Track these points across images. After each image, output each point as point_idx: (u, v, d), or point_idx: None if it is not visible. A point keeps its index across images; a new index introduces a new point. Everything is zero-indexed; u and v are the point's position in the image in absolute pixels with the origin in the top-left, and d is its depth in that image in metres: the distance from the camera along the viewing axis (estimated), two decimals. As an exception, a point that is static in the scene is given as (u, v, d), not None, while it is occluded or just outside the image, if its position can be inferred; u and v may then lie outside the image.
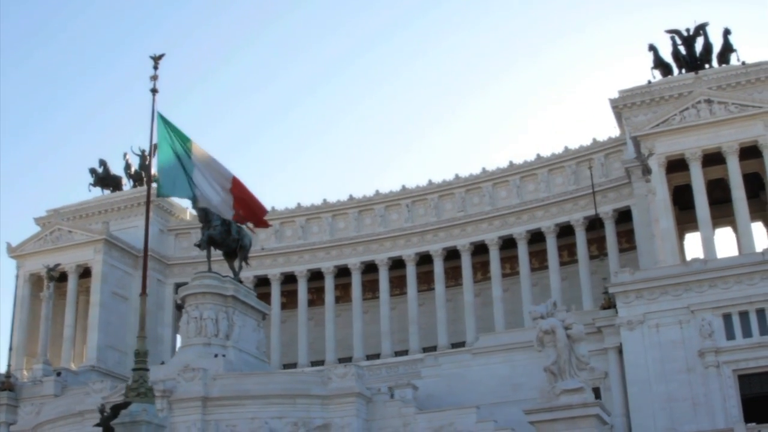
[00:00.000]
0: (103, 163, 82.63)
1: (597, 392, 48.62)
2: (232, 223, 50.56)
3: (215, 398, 41.49)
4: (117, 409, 24.95)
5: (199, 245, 51.06)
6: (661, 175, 58.44)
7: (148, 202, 29.65)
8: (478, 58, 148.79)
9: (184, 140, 29.59)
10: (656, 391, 44.73)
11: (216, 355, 45.37)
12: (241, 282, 51.28)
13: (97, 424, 25.78)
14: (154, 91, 30.01)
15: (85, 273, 73.93)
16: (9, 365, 63.78)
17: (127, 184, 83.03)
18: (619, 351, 48.18)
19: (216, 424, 40.90)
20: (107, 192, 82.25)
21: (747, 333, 44.87)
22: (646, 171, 55.59)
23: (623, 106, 67.22)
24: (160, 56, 30.59)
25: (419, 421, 41.77)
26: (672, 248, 56.02)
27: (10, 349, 71.97)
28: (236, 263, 51.48)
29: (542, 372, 45.90)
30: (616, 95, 68.05)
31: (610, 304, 49.31)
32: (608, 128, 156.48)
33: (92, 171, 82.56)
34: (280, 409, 40.99)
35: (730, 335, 45.22)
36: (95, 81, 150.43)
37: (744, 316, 45.14)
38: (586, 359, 30.37)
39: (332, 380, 42.18)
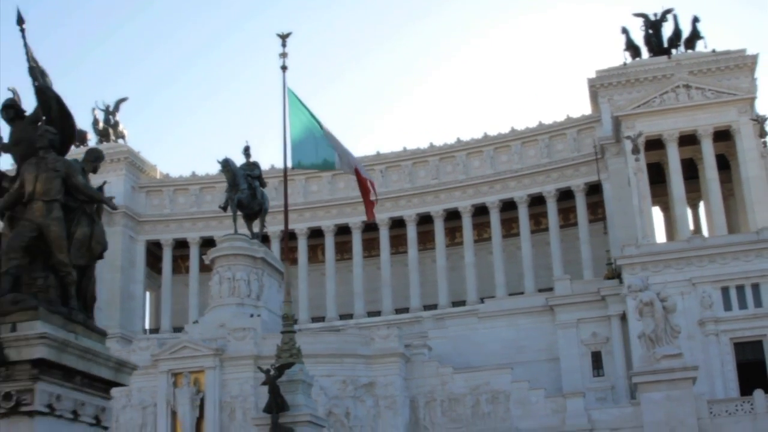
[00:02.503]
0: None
1: (599, 356, 52.65)
2: (257, 188, 52.18)
3: (267, 357, 43.25)
4: (282, 368, 27.00)
5: (224, 207, 52.29)
6: (642, 153, 62.47)
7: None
8: (454, 27, 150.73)
9: (312, 116, 31.26)
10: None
11: (251, 315, 47.11)
12: (262, 243, 52.91)
13: (264, 383, 27.71)
14: (283, 68, 31.64)
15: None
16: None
17: (92, 139, 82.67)
18: (622, 318, 52.06)
19: (267, 381, 42.75)
20: (72, 147, 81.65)
21: (743, 305, 49.38)
22: (636, 150, 59.36)
23: (600, 85, 70.81)
24: (287, 34, 32.18)
25: (456, 380, 44.67)
26: (648, 223, 60.30)
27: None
28: (257, 225, 52.94)
29: (545, 335, 49.84)
30: (592, 75, 71.64)
31: (613, 274, 53.08)
32: (576, 105, 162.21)
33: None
34: (329, 367, 43.16)
35: (728, 306, 49.65)
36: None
37: (740, 289, 49.60)
38: (679, 328, 33.69)
39: (375, 341, 44.63)
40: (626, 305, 51.27)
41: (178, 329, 75.79)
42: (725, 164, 66.74)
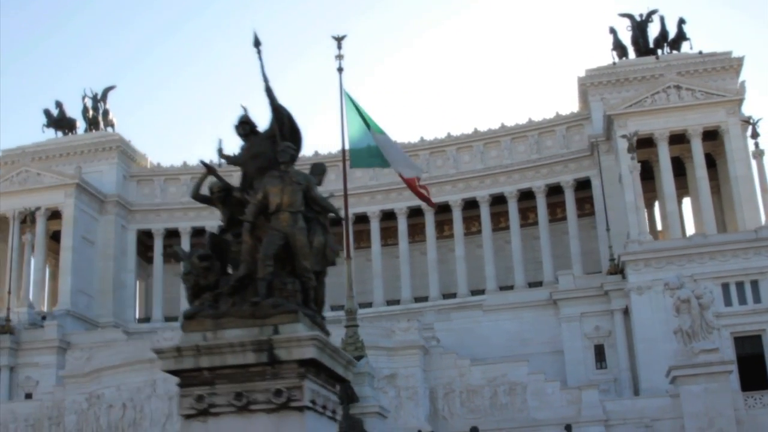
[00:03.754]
0: (59, 104, 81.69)
1: (601, 349, 54.44)
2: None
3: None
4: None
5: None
6: (629, 151, 64.37)
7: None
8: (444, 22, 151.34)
9: (368, 118, 32.30)
10: (661, 349, 50.51)
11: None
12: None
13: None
14: (340, 69, 32.61)
15: (51, 216, 73.72)
16: (8, 308, 63.50)
17: (80, 127, 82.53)
18: (624, 312, 53.89)
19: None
20: (60, 134, 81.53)
21: (743, 301, 51.54)
22: (632, 149, 61.11)
23: (590, 84, 72.67)
24: (343, 37, 33.12)
25: (474, 372, 46.04)
26: (642, 219, 62.25)
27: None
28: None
29: (549, 328, 51.42)
30: (582, 73, 73.51)
31: (616, 270, 54.86)
32: (564, 102, 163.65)
33: (47, 112, 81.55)
34: (352, 359, 44.17)
35: (728, 302, 51.76)
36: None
37: (740, 285, 51.76)
38: (713, 324, 35.37)
39: (396, 333, 45.78)
40: (629, 300, 53.16)
41: (170, 319, 76.40)
42: (711, 163, 68.96)
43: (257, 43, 13.60)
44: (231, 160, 14.24)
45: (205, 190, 14.47)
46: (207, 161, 15.10)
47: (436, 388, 45.86)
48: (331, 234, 13.38)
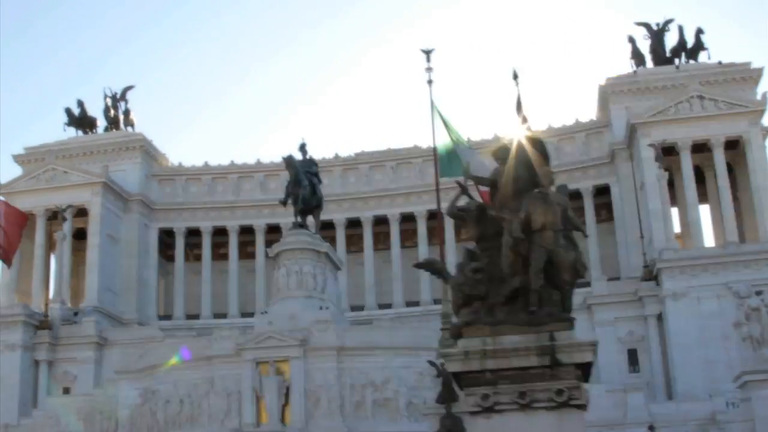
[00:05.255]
0: (80, 103, 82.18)
1: (634, 353, 56.04)
2: (317, 185, 54.23)
3: (349, 348, 45.57)
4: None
5: (284, 202, 54.14)
6: (653, 159, 66.17)
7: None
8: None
9: (451, 128, 33.61)
10: (696, 355, 52.34)
11: (320, 308, 49.19)
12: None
13: (438, 375, 30.00)
14: (430, 82, 33.90)
15: (76, 214, 74.31)
16: (46, 304, 64.23)
17: (100, 126, 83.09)
18: (658, 318, 55.54)
19: (350, 371, 45.02)
20: (80, 133, 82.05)
21: (776, 308, 53.21)
22: (659, 157, 62.74)
23: (610, 92, 74.26)
24: (431, 50, 34.41)
25: (520, 373, 47.31)
26: (669, 227, 64.03)
27: (3, 286, 71.85)
28: (316, 221, 54.87)
29: (582, 332, 52.65)
30: (602, 81, 75.12)
31: (650, 276, 56.47)
32: (576, 110, 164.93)
33: (68, 111, 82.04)
34: (406, 359, 45.49)
35: (765, 310, 53.45)
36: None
37: (776, 293, 53.46)
38: (785, 331, 37.03)
39: (444, 335, 47.03)
40: (664, 306, 54.76)
41: (190, 317, 77.39)
42: (730, 171, 70.83)
43: (515, 76, 14.87)
44: (482, 181, 15.50)
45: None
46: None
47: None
48: (580, 251, 14.64)
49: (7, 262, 40.34)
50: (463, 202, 15.58)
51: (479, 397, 13.26)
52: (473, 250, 14.97)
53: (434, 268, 16.62)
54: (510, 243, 14.02)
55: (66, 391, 60.63)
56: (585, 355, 13.16)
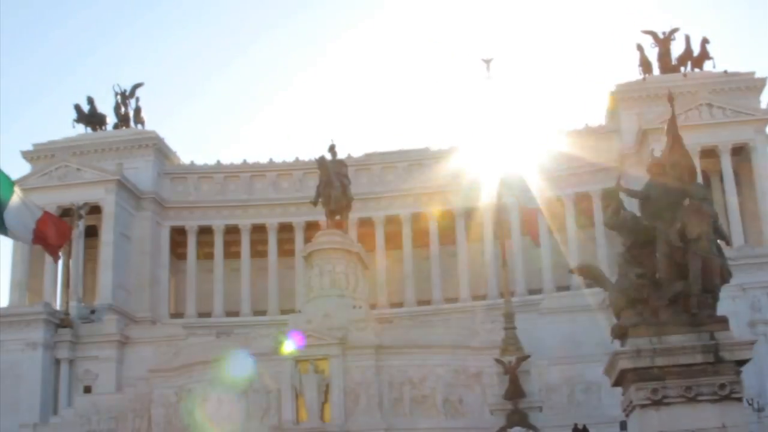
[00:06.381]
0: (90, 100, 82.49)
1: (652, 351, 57.55)
2: (347, 186, 55.38)
3: (387, 346, 46.62)
4: (520, 360, 30.77)
5: (314, 202, 55.24)
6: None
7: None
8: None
9: None
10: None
11: (353, 307, 50.34)
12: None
13: (505, 373, 31.34)
14: (489, 91, 35.11)
15: (89, 212, 74.73)
16: (67, 302, 64.79)
17: (109, 123, 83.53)
18: (675, 318, 57.12)
19: (388, 369, 46.13)
20: (89, 130, 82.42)
21: (792, 308, 55.22)
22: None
23: (620, 98, 75.95)
24: (491, 59, 35.66)
25: (552, 371, 48.70)
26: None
27: (14, 284, 72.26)
28: (345, 221, 56.03)
29: (600, 331, 54.09)
30: (612, 88, 76.79)
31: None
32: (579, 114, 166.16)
33: (77, 108, 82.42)
34: (442, 358, 46.69)
35: (778, 310, 55.40)
36: None
37: (789, 295, 55.42)
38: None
39: (479, 334, 48.36)
40: (682, 306, 56.32)
41: (202, 315, 78.17)
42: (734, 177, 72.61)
43: (671, 99, 16.15)
44: (634, 194, 16.74)
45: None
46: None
47: (515, 386, 48.36)
48: (725, 257, 15.91)
49: (55, 256, 40.51)
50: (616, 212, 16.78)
51: (649, 391, 14.53)
52: (626, 256, 16.18)
53: (592, 274, 17.62)
54: (666, 251, 15.27)
55: (87, 389, 61.03)
56: (745, 353, 14.46)
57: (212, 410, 47.27)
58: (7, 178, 39.51)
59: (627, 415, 16.76)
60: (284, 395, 45.84)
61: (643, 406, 14.86)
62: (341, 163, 55.82)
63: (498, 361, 32.96)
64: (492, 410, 34.11)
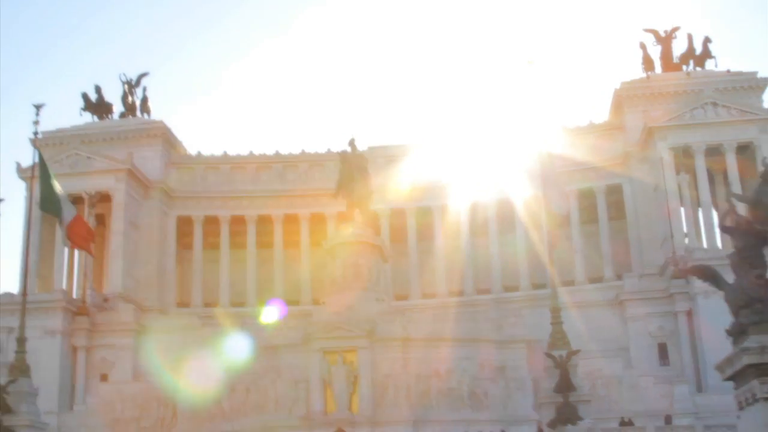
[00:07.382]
0: (98, 89, 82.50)
1: (664, 347, 58.85)
2: (367, 179, 56.07)
3: (414, 339, 47.45)
4: (570, 355, 31.60)
5: (335, 195, 55.89)
6: (671, 162, 69.32)
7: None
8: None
9: None
10: (726, 348, 54.72)
11: (376, 299, 51.07)
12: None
13: (556, 367, 32.08)
14: (532, 92, 35.82)
15: (100, 200, 74.91)
16: (84, 290, 64.98)
17: (115, 112, 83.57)
18: (687, 314, 58.40)
19: (415, 361, 46.92)
20: (96, 119, 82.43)
21: (803, 305, 56.36)
22: (680, 160, 65.76)
23: (625, 96, 77.00)
24: (534, 61, 36.35)
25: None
26: (691, 228, 67.20)
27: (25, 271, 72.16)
28: (366, 213, 56.56)
29: (615, 326, 55.34)
30: (617, 85, 77.83)
31: (679, 274, 59.34)
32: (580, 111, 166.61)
33: (85, 96, 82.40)
34: (468, 351, 47.53)
35: (788, 307, 56.51)
36: None
37: (802, 291, 56.59)
38: None
39: (504, 328, 49.26)
40: (695, 303, 57.66)
41: (207, 304, 78.50)
42: (733, 176, 73.94)
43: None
44: (745, 199, 17.60)
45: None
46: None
47: (537, 380, 49.24)
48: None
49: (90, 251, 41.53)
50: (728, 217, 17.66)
51: (772, 385, 15.44)
52: (739, 256, 17.04)
53: (707, 273, 18.44)
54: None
55: (104, 378, 61.52)
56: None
57: (240, 400, 47.79)
58: (48, 170, 40.03)
59: (741, 408, 17.70)
60: (313, 386, 46.45)
61: (767, 399, 15.80)
62: (361, 157, 56.40)
63: (548, 355, 33.76)
64: (541, 403, 34.94)
